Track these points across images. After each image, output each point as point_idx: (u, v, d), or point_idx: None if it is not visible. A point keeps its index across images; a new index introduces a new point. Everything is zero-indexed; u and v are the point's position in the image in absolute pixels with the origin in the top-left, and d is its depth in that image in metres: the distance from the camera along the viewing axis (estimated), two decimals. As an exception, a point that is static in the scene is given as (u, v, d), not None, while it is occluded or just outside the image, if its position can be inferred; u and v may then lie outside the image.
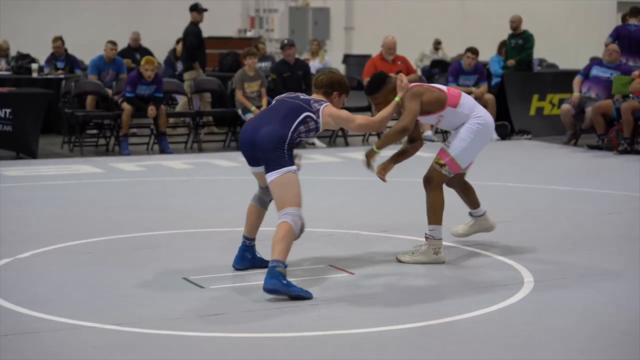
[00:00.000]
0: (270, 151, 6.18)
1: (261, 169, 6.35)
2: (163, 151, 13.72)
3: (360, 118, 6.74)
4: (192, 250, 7.23)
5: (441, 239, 7.00)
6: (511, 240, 7.80)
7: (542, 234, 8.12)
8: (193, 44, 15.54)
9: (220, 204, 9.59)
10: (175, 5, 22.82)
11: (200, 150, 14.11)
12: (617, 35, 15.03)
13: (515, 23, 16.93)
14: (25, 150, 12.95)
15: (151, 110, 13.51)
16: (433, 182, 7.22)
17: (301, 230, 6.21)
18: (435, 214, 7.02)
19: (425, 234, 7.03)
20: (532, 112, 16.14)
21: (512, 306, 5.89)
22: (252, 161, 6.43)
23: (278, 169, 6.15)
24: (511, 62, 16.71)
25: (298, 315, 5.66)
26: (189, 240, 7.71)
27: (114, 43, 15.84)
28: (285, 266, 5.98)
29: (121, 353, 4.98)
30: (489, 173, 11.99)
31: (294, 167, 6.23)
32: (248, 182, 11.13)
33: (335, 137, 15.29)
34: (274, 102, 6.64)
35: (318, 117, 6.37)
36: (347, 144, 14.87)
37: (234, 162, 12.66)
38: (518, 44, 16.77)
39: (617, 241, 7.81)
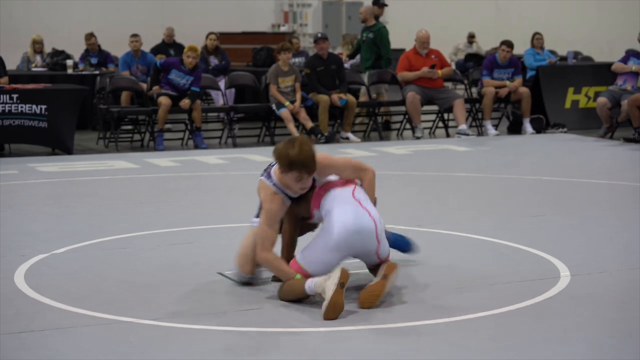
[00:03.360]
0: None
1: None
2: (197, 146, 13.75)
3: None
4: (227, 245, 7.22)
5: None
6: (547, 233, 7.75)
7: (578, 227, 8.06)
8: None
9: (253, 200, 9.57)
10: (208, 1, 22.88)
11: (235, 145, 14.13)
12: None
13: (363, 14, 15.86)
14: (60, 146, 13.02)
15: (184, 103, 13.53)
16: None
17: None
18: None
19: None
20: (568, 105, 16.03)
21: (548, 300, 5.85)
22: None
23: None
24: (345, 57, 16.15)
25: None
26: (223, 235, 7.71)
27: (135, 35, 15.93)
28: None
29: (157, 348, 4.99)
30: (524, 166, 11.94)
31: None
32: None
33: (370, 131, 15.26)
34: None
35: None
36: (381, 138, 14.84)
37: (268, 157, 12.66)
38: (369, 37, 15.67)
39: (655, 235, 7.74)
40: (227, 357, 4.87)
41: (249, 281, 6.13)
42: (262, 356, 4.92)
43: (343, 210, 5.73)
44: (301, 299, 5.68)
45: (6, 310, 5.58)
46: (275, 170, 5.91)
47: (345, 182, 5.97)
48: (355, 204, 5.77)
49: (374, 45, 15.58)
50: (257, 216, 6.09)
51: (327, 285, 5.46)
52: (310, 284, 5.57)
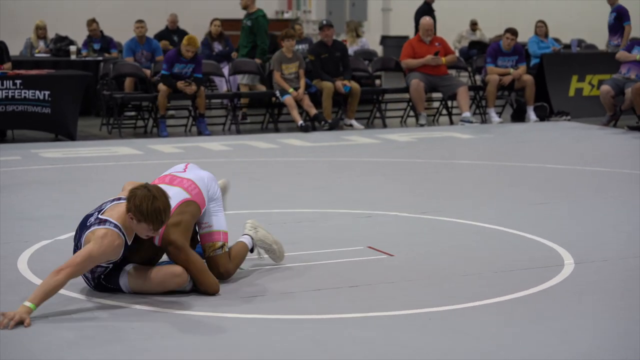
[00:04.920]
0: None
1: None
2: (201, 133, 13.74)
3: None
4: (231, 231, 7.20)
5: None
6: (551, 221, 7.75)
7: (582, 215, 8.05)
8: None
9: (257, 186, 9.59)
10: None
11: (238, 132, 14.11)
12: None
13: (244, 2, 15.45)
14: (64, 132, 13.02)
15: (181, 84, 13.45)
16: (223, 268, 5.95)
17: None
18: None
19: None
20: (571, 93, 15.99)
21: (553, 288, 5.85)
22: None
23: None
24: (234, 54, 16.03)
25: (337, 297, 5.65)
26: (227, 221, 7.68)
27: (141, 21, 15.89)
28: None
29: (163, 334, 4.99)
30: (528, 154, 11.92)
31: None
32: (287, 164, 11.17)
33: (373, 119, 15.24)
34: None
35: None
36: (385, 126, 14.82)
37: (272, 144, 12.66)
38: (247, 25, 15.43)
39: (659, 223, 7.73)
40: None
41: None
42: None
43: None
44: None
45: (10, 296, 5.58)
46: (115, 213, 5.49)
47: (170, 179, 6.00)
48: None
49: (251, 34, 15.38)
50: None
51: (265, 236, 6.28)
52: (249, 241, 6.22)
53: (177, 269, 5.59)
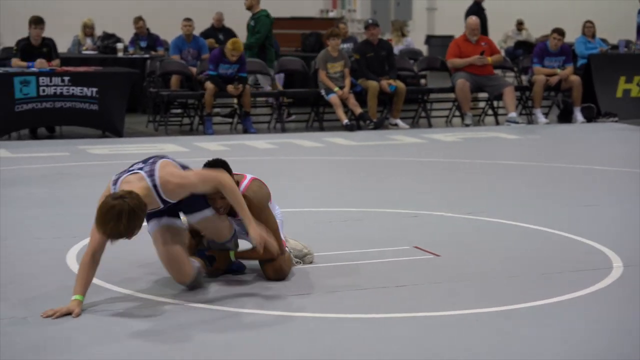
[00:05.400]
0: None
1: None
2: (246, 131, 13.78)
3: None
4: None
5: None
6: (599, 224, 7.68)
7: (630, 217, 7.97)
8: None
9: (302, 184, 9.61)
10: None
11: (284, 130, 14.14)
12: None
13: (248, 2, 15.36)
14: (111, 129, 13.11)
15: (231, 88, 13.54)
16: (286, 273, 5.99)
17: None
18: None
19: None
20: (619, 94, 15.85)
21: (600, 291, 5.80)
22: None
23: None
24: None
25: (382, 297, 5.64)
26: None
27: (188, 19, 15.95)
28: None
29: (202, 330, 5.01)
30: (575, 155, 11.84)
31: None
32: (331, 162, 11.18)
33: (419, 119, 15.21)
34: None
35: None
36: (430, 125, 14.78)
37: (316, 143, 12.68)
38: (250, 25, 15.35)
39: None
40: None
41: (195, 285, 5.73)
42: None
43: None
44: None
45: (59, 291, 5.62)
46: (123, 186, 5.44)
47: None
48: None
49: (256, 33, 15.22)
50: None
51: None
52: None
53: (191, 268, 5.57)
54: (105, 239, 5.24)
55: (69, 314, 5.14)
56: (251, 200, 5.78)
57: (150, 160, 5.60)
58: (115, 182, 5.51)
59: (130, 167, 5.63)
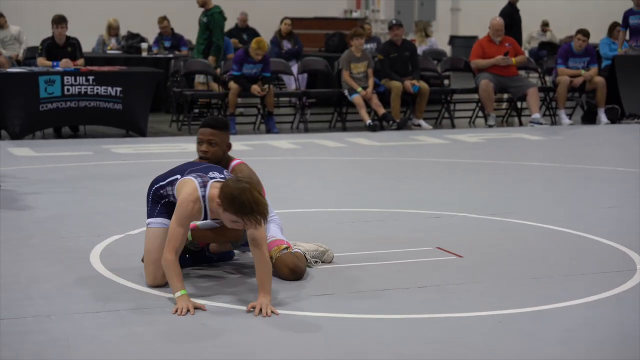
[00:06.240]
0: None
1: None
2: (269, 131, 13.80)
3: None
4: (299, 230, 7.23)
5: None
6: (623, 225, 7.65)
7: (654, 220, 7.94)
8: (505, 23, 15.61)
9: (324, 184, 9.61)
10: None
11: (306, 130, 14.15)
12: None
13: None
14: (134, 128, 13.16)
15: (255, 88, 13.57)
16: (292, 264, 5.96)
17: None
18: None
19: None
20: (644, 95, 15.79)
21: (624, 293, 5.77)
22: None
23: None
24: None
25: (405, 297, 5.64)
26: (294, 220, 7.72)
27: None
28: None
29: (231, 331, 5.01)
30: (599, 157, 11.80)
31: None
32: (354, 163, 11.18)
33: (442, 119, 15.19)
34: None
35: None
36: (453, 126, 14.76)
37: (339, 143, 12.68)
38: (203, 22, 14.96)
39: None
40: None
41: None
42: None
43: None
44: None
45: (82, 290, 5.65)
46: (213, 190, 5.46)
47: None
48: None
49: (207, 30, 14.96)
50: (148, 216, 5.82)
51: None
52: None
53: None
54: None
55: (196, 308, 5.24)
56: (242, 171, 5.89)
57: (226, 174, 5.68)
58: (204, 185, 5.49)
59: (204, 171, 5.63)
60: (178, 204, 5.48)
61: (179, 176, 5.71)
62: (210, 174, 5.59)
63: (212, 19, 14.82)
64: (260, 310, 5.24)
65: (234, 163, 6.14)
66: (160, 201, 5.80)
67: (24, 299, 5.47)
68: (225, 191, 5.24)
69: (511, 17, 16.24)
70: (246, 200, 5.16)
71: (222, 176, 5.60)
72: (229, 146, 6.19)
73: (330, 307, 5.41)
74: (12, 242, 6.83)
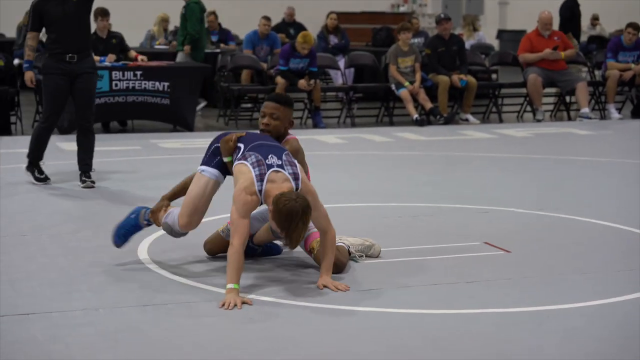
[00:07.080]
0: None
1: None
2: (316, 125, 13.80)
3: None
4: (344, 224, 7.21)
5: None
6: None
7: None
8: (566, 16, 15.48)
9: (371, 179, 9.59)
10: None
11: (353, 125, 14.13)
12: None
13: None
14: (182, 123, 13.21)
15: (303, 83, 13.58)
16: (343, 262, 6.03)
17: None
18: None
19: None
20: (694, 89, 15.59)
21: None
22: None
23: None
24: (174, 44, 15.77)
25: (453, 292, 5.61)
26: (340, 214, 7.70)
27: (267, 19, 15.97)
28: None
29: (276, 324, 5.02)
30: (637, 152, 11.67)
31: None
32: (402, 157, 11.14)
33: (489, 114, 15.11)
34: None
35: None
36: (501, 120, 14.67)
37: (386, 137, 12.65)
38: (183, 15, 15.05)
39: None
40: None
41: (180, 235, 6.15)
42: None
43: None
44: None
45: (130, 283, 5.69)
46: (269, 185, 5.52)
47: None
48: None
49: (185, 21, 14.96)
50: (204, 164, 6.07)
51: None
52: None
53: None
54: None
55: (243, 303, 5.26)
56: (292, 145, 6.02)
57: (285, 157, 5.67)
58: (261, 179, 5.53)
59: (264, 153, 5.65)
60: (236, 194, 5.52)
61: (242, 146, 5.76)
62: (269, 159, 5.60)
63: (189, 10, 14.92)
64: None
65: (288, 137, 6.17)
66: (219, 155, 5.94)
67: (73, 292, 5.51)
68: (279, 203, 5.33)
69: (572, 11, 16.11)
70: (293, 225, 5.31)
71: (279, 162, 5.60)
72: (291, 123, 6.22)
73: (376, 302, 5.40)
74: (61, 237, 6.89)
